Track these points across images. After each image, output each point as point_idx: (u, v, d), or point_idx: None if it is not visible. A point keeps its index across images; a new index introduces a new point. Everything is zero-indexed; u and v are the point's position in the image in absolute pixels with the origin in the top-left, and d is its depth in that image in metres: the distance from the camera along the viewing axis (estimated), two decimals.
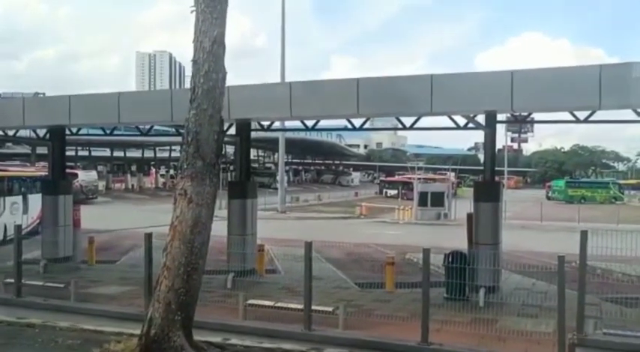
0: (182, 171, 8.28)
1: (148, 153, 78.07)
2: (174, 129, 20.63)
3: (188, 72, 9.07)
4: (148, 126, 21.03)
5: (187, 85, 9.92)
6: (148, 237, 11.83)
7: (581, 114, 14.31)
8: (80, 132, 21.45)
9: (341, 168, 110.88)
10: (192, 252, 8.08)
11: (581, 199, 61.10)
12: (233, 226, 16.66)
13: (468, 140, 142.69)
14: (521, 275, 15.59)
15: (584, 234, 9.34)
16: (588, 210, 40.82)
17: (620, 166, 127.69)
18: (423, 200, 40.44)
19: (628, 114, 13.87)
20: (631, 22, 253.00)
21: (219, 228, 12.09)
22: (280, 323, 11.11)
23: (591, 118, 14.38)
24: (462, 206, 30.10)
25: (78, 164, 62.69)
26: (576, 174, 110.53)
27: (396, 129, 29.89)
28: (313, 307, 10.71)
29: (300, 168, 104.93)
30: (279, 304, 11.85)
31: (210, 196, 8.27)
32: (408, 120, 16.51)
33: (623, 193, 69.65)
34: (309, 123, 17.78)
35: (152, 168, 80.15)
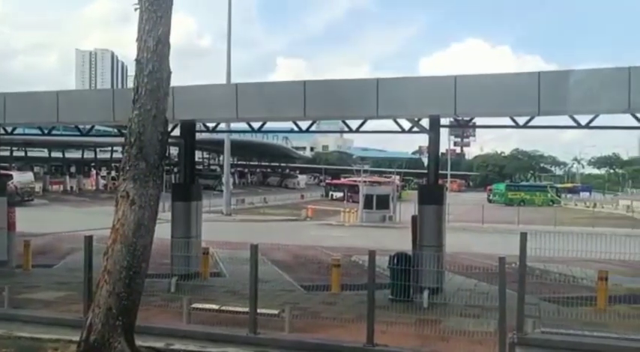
0: (124, 172, 8.06)
1: (89, 154, 75.92)
2: (116, 130, 20.13)
3: (131, 71, 8.87)
4: (88, 127, 20.42)
5: (130, 84, 9.68)
6: (88, 240, 11.44)
7: (521, 120, 14.75)
8: (16, 132, 20.64)
9: (287, 170, 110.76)
10: (134, 255, 7.88)
11: (521, 202, 62.95)
12: (177, 229, 16.38)
13: (412, 143, 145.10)
14: (463, 277, 15.91)
15: (523, 236, 9.58)
16: (527, 213, 42.08)
17: (557, 170, 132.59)
18: (368, 203, 40.85)
19: (565, 120, 14.37)
20: (568, 31, 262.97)
21: (162, 231, 11.86)
22: (225, 327, 10.97)
23: (530, 123, 14.85)
24: (407, 208, 30.58)
25: (13, 165, 60.40)
26: (516, 178, 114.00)
27: (342, 131, 30.07)
28: (259, 310, 10.61)
29: (246, 170, 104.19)
30: (224, 307, 11.70)
31: (153, 198, 8.09)
32: (354, 123, 16.65)
33: (560, 196, 72.28)
34: (256, 125, 17.66)
35: (93, 169, 77.95)
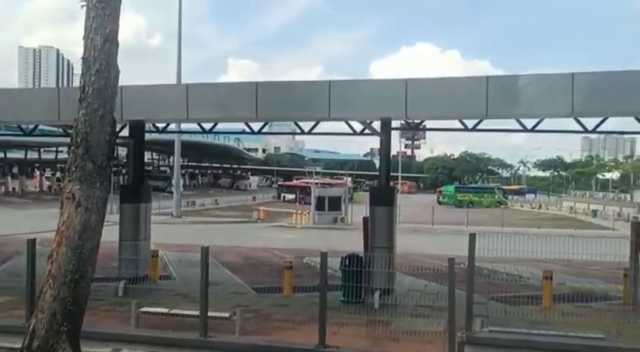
0: (70, 173, 7.82)
1: (32, 155, 73.52)
2: (61, 130, 19.52)
3: (77, 70, 8.62)
4: (31, 126, 19.77)
5: (77, 83, 9.40)
6: (31, 243, 11.05)
7: (470, 123, 15.05)
8: None
9: (239, 172, 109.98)
10: (80, 258, 7.65)
11: (469, 204, 64.21)
12: (125, 231, 16.03)
13: (364, 145, 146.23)
14: (414, 277, 16.11)
15: (472, 237, 9.76)
16: (476, 214, 42.93)
17: (505, 173, 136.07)
18: (320, 204, 40.94)
19: (512, 123, 14.76)
20: (516, 37, 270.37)
21: (110, 234, 11.58)
22: (175, 330, 10.78)
23: (479, 127, 15.17)
24: (358, 210, 30.76)
25: None
26: (465, 180, 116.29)
27: (294, 133, 29.99)
28: (209, 313, 10.46)
29: (197, 171, 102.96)
30: (173, 311, 11.49)
31: (100, 200, 7.87)
32: (306, 125, 16.65)
33: (506, 198, 74.09)
34: (207, 125, 17.46)
35: (36, 170, 75.52)
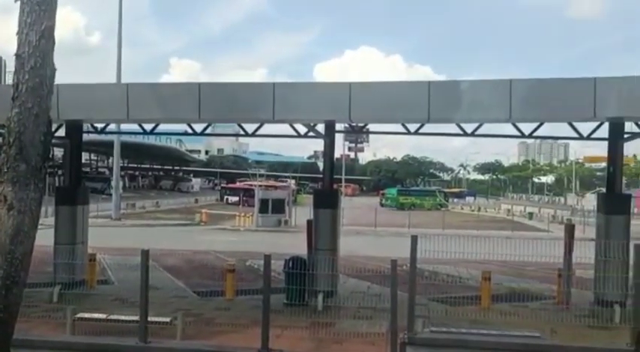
0: (2, 175, 7.49)
1: None
2: None
3: (10, 67, 8.27)
4: None
5: (9, 80, 9.03)
6: None
7: (412, 127, 15.30)
8: None
9: (181, 173, 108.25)
10: (12, 264, 7.32)
11: (411, 206, 65.13)
12: (61, 235, 15.50)
13: (308, 148, 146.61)
14: (357, 279, 16.23)
15: (413, 239, 9.88)
16: (417, 217, 43.64)
17: (445, 176, 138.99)
18: (263, 207, 40.74)
19: (453, 128, 15.08)
20: (456, 43, 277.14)
21: (45, 237, 11.18)
22: (113, 336, 10.49)
23: (421, 131, 15.44)
24: (302, 213, 30.81)
25: None
26: (407, 183, 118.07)
27: (237, 135, 29.73)
28: (150, 318, 10.21)
29: (137, 173, 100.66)
30: (112, 317, 11.18)
31: (34, 203, 7.56)
32: (250, 127, 16.53)
33: (447, 201, 75.66)
34: (148, 126, 17.09)
35: None
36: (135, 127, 18.20)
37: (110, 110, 14.49)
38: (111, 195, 46.42)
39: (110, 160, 77.89)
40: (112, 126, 21.10)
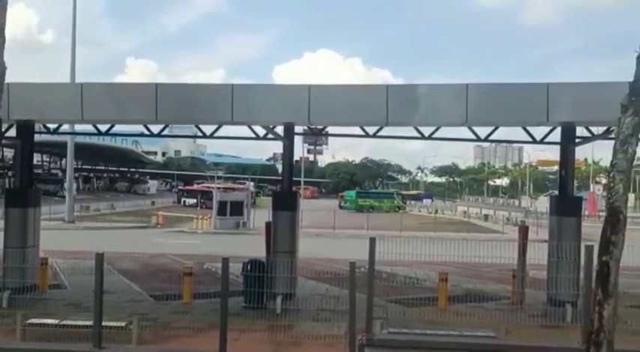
0: None
1: None
2: None
3: None
4: None
5: None
6: None
7: (371, 129, 15.40)
8: None
9: (137, 175, 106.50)
10: None
11: (370, 208, 65.49)
12: (11, 238, 15.03)
13: (267, 150, 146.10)
14: (316, 282, 16.23)
15: (372, 241, 9.96)
16: (376, 219, 43.95)
17: (403, 178, 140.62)
18: (222, 209, 40.41)
19: (410, 131, 15.25)
20: (414, 47, 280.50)
21: None
22: (66, 342, 10.23)
23: (379, 133, 15.56)
24: (261, 215, 30.61)
25: None
26: (365, 185, 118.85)
27: (195, 137, 29.41)
28: (104, 323, 10.02)
29: (92, 175, 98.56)
30: (64, 322, 10.92)
31: None
32: (208, 129, 16.36)
33: (405, 203, 76.34)
34: (103, 127, 16.74)
35: None
36: (89, 128, 17.81)
37: (63, 110, 14.13)
38: (64, 197, 45.34)
39: (63, 161, 76.03)
40: (66, 127, 20.61)
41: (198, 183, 78.22)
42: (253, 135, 16.03)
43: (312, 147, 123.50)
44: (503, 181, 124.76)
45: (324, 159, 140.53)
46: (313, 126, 16.98)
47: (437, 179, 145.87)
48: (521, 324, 11.76)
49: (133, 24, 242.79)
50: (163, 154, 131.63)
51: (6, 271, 14.00)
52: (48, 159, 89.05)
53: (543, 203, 50.80)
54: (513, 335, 10.33)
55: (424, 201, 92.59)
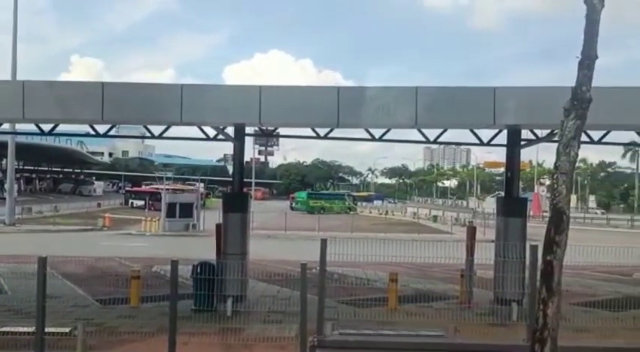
0: None
1: None
2: None
3: None
4: None
5: None
6: None
7: (322, 131, 15.44)
8: None
9: (82, 176, 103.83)
10: None
11: (321, 210, 65.65)
12: None
13: (217, 151, 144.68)
14: (267, 283, 16.16)
15: (323, 242, 9.96)
16: (327, 220, 44.11)
17: (354, 180, 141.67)
18: (171, 211, 39.84)
19: (361, 132, 15.36)
20: (364, 50, 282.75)
21: None
22: (6, 350, 9.86)
23: (330, 135, 15.62)
24: (211, 217, 30.29)
25: None
26: (317, 187, 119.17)
27: (143, 137, 28.82)
28: (47, 329, 9.69)
29: (34, 176, 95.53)
30: (4, 329, 10.53)
31: None
32: (156, 129, 16.08)
33: (356, 204, 76.93)
34: (46, 127, 16.22)
35: None
36: (32, 127, 17.23)
37: (4, 109, 13.61)
38: (4, 198, 43.85)
39: (4, 162, 73.40)
40: (6, 126, 19.89)
41: (147, 185, 76.85)
42: (203, 136, 15.84)
43: (263, 148, 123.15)
44: (452, 183, 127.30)
45: (275, 161, 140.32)
46: (264, 127, 16.90)
47: (387, 180, 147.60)
48: (469, 323, 12.02)
49: (78, 20, 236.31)
50: (110, 155, 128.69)
51: None
52: None
53: (490, 204, 52.00)
54: (462, 334, 10.51)
55: (375, 202, 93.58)
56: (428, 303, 14.28)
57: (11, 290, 15.51)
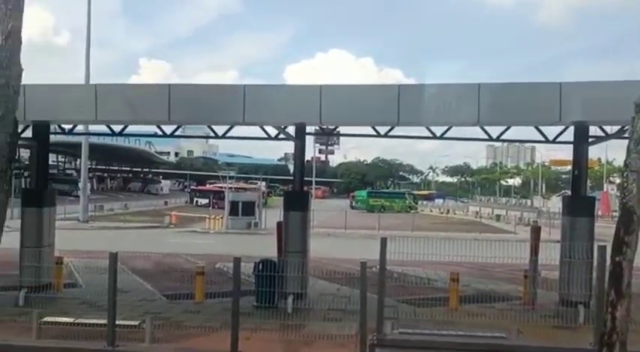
0: None
1: None
2: None
3: None
4: None
5: None
6: None
7: (382, 129, 15.42)
8: None
9: (150, 175, 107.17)
10: None
11: (381, 208, 65.43)
12: (27, 237, 15.23)
13: (278, 150, 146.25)
14: (327, 281, 16.26)
15: (383, 241, 9.98)
16: (387, 219, 43.91)
17: (415, 178, 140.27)
18: (234, 209, 40.57)
19: (422, 130, 15.25)
20: (425, 47, 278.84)
21: (10, 240, 10.99)
22: (80, 340, 10.35)
23: (391, 133, 15.57)
24: (272, 215, 30.71)
25: None
26: (377, 185, 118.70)
27: (207, 137, 29.56)
28: (117, 322, 10.12)
29: (106, 175, 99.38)
30: (79, 320, 11.04)
31: (0, 205, 7.46)
32: (220, 129, 16.46)
33: (417, 203, 76.18)
34: (117, 128, 16.90)
35: None
36: (103, 129, 17.98)
37: (78, 111, 14.30)
38: (78, 197, 45.75)
39: (78, 162, 76.72)
40: (80, 128, 20.82)
41: (211, 183, 78.58)
42: (265, 136, 16.10)
43: (323, 147, 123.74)
44: (516, 181, 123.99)
45: (335, 159, 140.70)
46: (325, 126, 17.03)
47: (448, 179, 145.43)
48: (532, 325, 11.73)
49: (146, 25, 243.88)
50: (176, 154, 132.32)
51: (22, 270, 14.18)
52: (63, 160, 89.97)
53: (556, 203, 50.46)
54: (524, 336, 10.31)
55: (436, 201, 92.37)
56: (490, 304, 14.02)
57: (85, 284, 16.20)
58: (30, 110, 13.11)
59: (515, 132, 15.69)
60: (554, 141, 15.62)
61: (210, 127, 16.86)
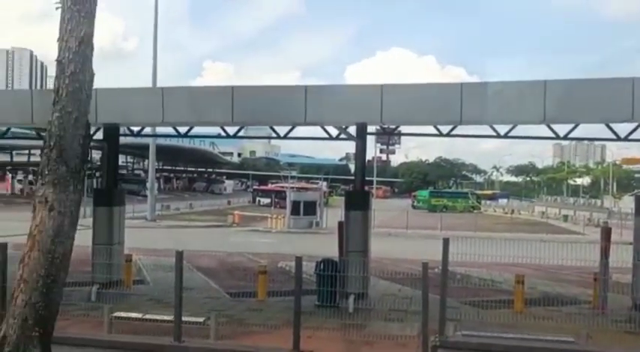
0: (43, 177, 7.72)
1: (3, 157, 72.24)
2: (34, 132, 19.26)
3: (51, 72, 8.51)
4: (3, 128, 19.45)
5: (51, 85, 9.29)
6: (2, 247, 10.90)
7: (444, 129, 15.22)
8: None
9: (214, 176, 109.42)
10: (52, 263, 7.55)
11: (443, 208, 64.49)
12: (99, 235, 15.87)
13: (339, 150, 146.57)
14: (388, 282, 16.19)
15: (445, 242, 9.88)
16: (449, 219, 43.25)
17: (478, 178, 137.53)
18: (295, 209, 40.90)
19: (485, 129, 14.95)
20: (490, 44, 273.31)
21: (83, 238, 11.47)
22: (149, 335, 10.71)
23: (453, 132, 15.35)
24: (333, 214, 30.83)
25: None
26: (439, 185, 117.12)
27: (269, 138, 29.92)
28: (184, 318, 10.43)
29: (172, 175, 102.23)
30: (147, 316, 11.43)
31: (74, 204, 7.78)
32: (281, 130, 16.66)
33: (480, 203, 74.69)
34: (182, 129, 17.37)
35: (7, 173, 74.19)
36: (169, 130, 18.52)
37: (146, 113, 14.78)
38: (146, 196, 47.20)
39: (145, 162, 79.29)
40: (148, 129, 21.51)
41: (273, 183, 79.55)
42: (326, 136, 16.17)
43: (384, 146, 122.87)
44: (584, 181, 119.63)
45: (396, 159, 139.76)
46: (386, 126, 16.95)
47: (513, 178, 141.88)
48: (603, 330, 11.30)
49: (211, 28, 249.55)
50: (239, 155, 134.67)
51: (94, 267, 14.77)
52: (132, 161, 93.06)
53: (628, 203, 48.41)
54: (594, 341, 9.97)
55: (500, 201, 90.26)
56: (557, 307, 13.61)
57: (152, 282, 16.73)
58: (101, 113, 13.62)
59: (583, 130, 15.17)
60: (625, 139, 15.00)
61: (272, 128, 17.08)
